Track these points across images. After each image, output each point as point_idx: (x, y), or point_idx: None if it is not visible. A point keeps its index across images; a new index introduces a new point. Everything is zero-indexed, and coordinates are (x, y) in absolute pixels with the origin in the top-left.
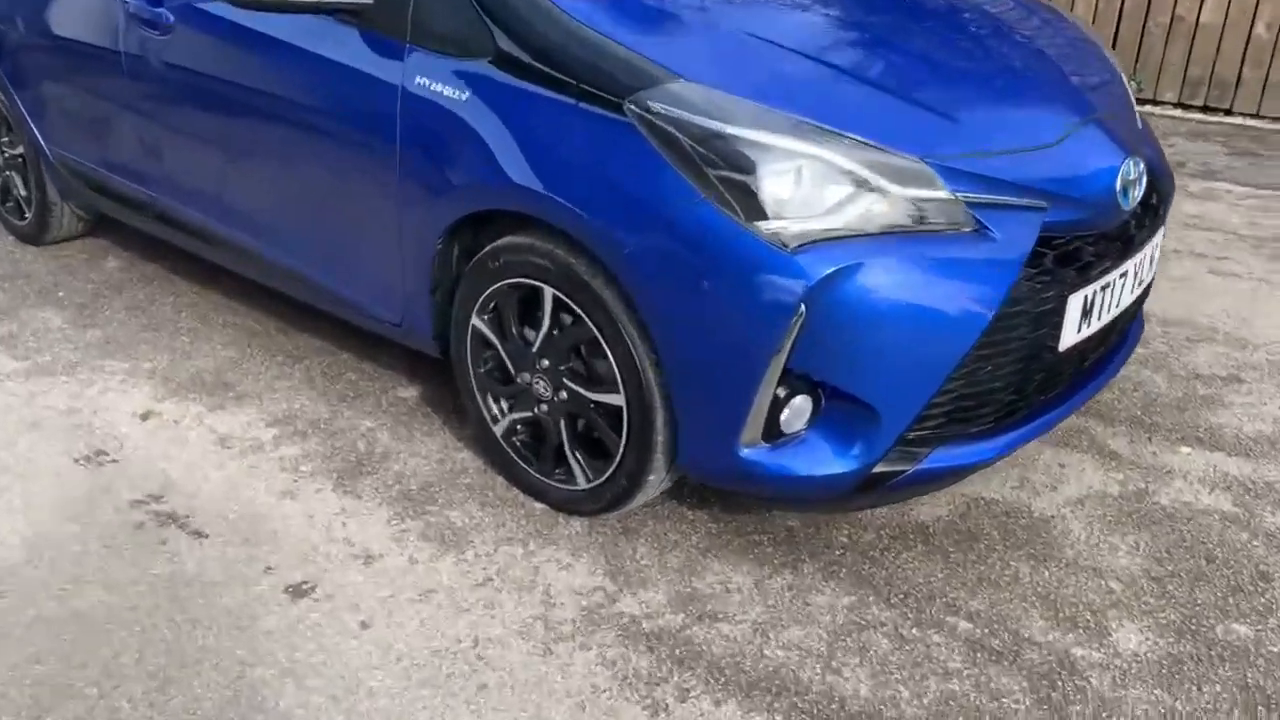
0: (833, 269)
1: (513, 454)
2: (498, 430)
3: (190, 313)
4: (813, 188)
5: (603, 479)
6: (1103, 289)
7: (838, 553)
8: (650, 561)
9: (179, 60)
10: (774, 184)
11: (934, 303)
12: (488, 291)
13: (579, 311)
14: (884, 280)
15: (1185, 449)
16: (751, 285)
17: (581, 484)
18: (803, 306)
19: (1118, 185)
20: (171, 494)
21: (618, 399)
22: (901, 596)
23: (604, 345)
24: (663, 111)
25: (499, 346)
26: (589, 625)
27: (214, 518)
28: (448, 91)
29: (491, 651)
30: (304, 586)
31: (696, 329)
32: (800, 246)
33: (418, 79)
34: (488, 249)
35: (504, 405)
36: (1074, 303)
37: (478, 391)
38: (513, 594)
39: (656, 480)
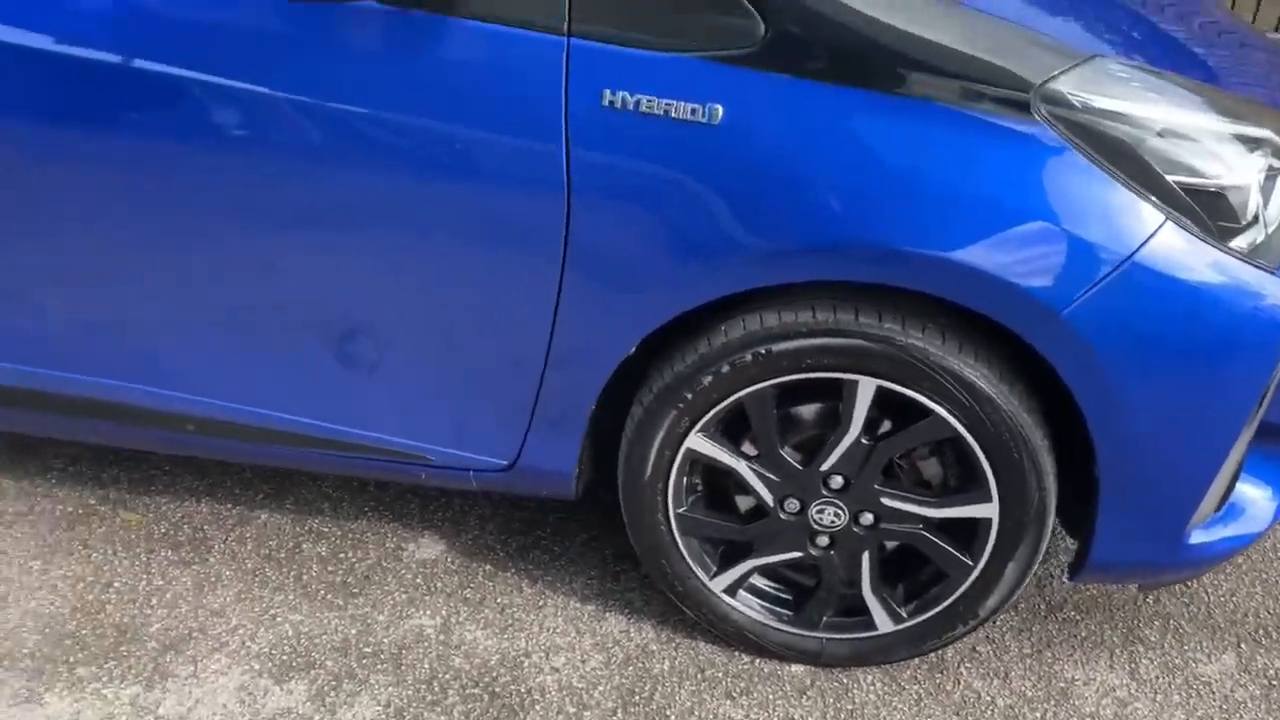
0: None
1: (749, 612)
2: (718, 585)
3: None
4: (1267, 181)
5: (933, 613)
6: None
7: (1150, 601)
8: (1008, 698)
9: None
10: (1248, 184)
11: None
12: (729, 399)
13: (930, 405)
14: None
15: None
16: (1239, 319)
17: (886, 626)
18: None
19: None
20: None
21: (982, 509)
22: (1263, 632)
23: (971, 443)
24: (1092, 104)
25: (739, 471)
26: None
27: None
28: (673, 108)
29: None
30: None
31: (1155, 392)
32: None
33: (604, 93)
34: (734, 339)
35: (728, 551)
36: None
37: (680, 539)
38: None
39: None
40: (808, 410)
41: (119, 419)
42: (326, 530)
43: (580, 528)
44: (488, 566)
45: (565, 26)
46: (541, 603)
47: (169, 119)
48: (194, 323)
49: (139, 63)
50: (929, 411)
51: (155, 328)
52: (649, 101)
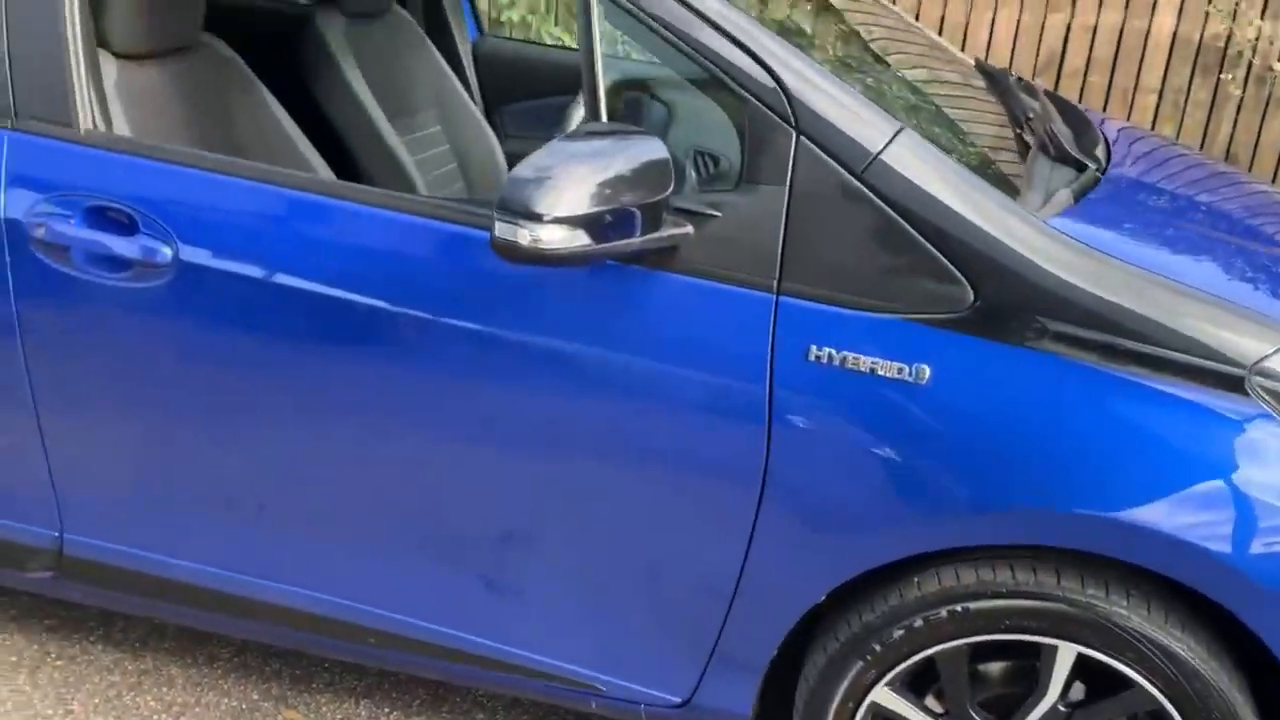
0: None
1: None
2: None
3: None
4: None
5: None
6: None
7: None
8: None
9: (182, 325)
10: None
11: None
12: (920, 654)
13: (1133, 676)
14: None
15: None
16: None
17: None
18: None
19: None
20: None
21: None
22: None
23: (1173, 713)
24: None
25: None
26: None
27: None
28: (879, 366)
29: None
30: None
31: None
32: None
33: (810, 348)
34: (929, 593)
35: None
36: None
37: None
38: None
39: None
40: (1001, 668)
41: (303, 626)
42: None
43: None
44: None
45: (775, 285)
46: None
47: (396, 351)
48: (392, 540)
49: (369, 300)
50: (1131, 681)
51: (344, 540)
52: (855, 359)
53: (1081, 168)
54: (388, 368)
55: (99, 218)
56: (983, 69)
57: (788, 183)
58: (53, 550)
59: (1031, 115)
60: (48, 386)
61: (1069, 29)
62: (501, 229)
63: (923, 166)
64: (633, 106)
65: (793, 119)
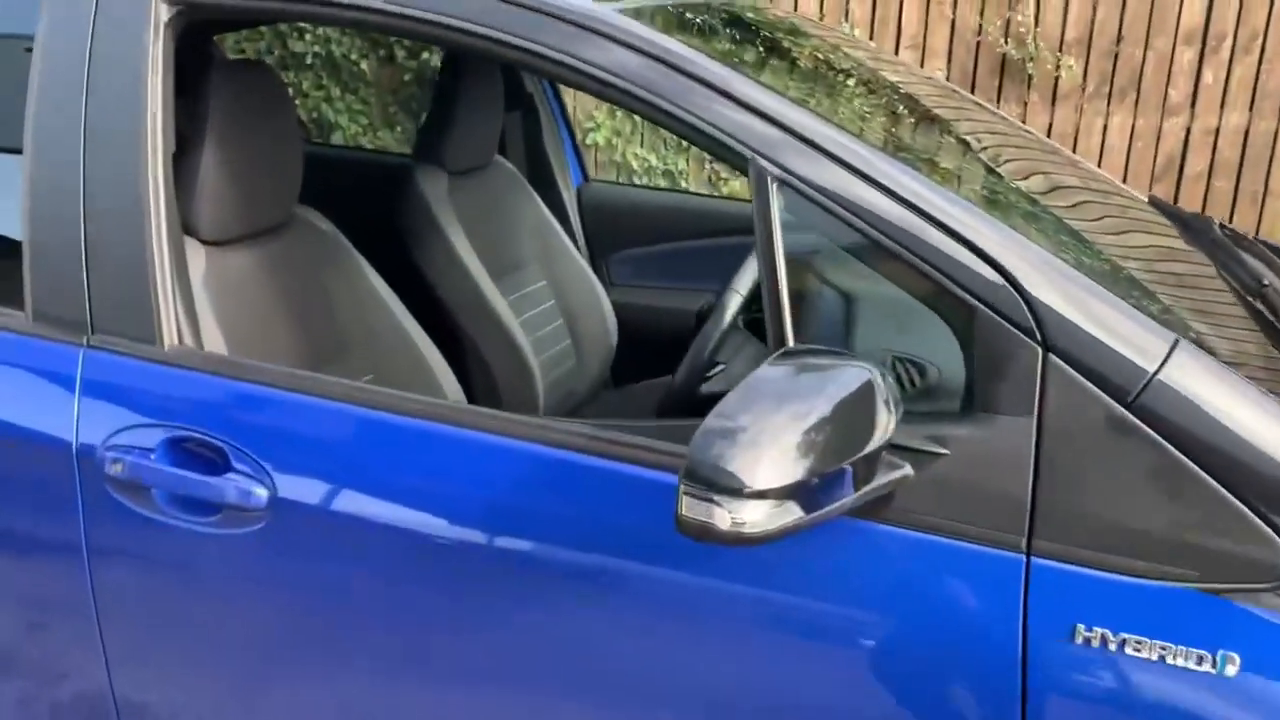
0: None
1: None
2: None
3: None
4: None
5: None
6: None
7: None
8: None
9: (278, 577)
10: None
11: None
12: None
13: None
14: None
15: None
16: None
17: None
18: None
19: None
20: None
21: None
22: None
23: None
24: None
25: None
26: None
27: None
28: (1170, 653)
29: None
30: None
31: None
32: None
33: (1077, 627)
34: None
35: None
36: None
37: None
38: None
39: None
40: None
41: None
42: None
43: None
44: None
45: (1025, 544)
46: None
47: (550, 606)
48: None
49: (508, 542)
50: None
51: None
52: (1138, 642)
53: None
54: (541, 623)
55: (184, 452)
56: (1166, 210)
57: (1035, 413)
58: None
59: (1267, 282)
60: (119, 640)
61: (1189, 132)
62: (691, 505)
63: (1210, 389)
64: (799, 292)
65: (1037, 332)
